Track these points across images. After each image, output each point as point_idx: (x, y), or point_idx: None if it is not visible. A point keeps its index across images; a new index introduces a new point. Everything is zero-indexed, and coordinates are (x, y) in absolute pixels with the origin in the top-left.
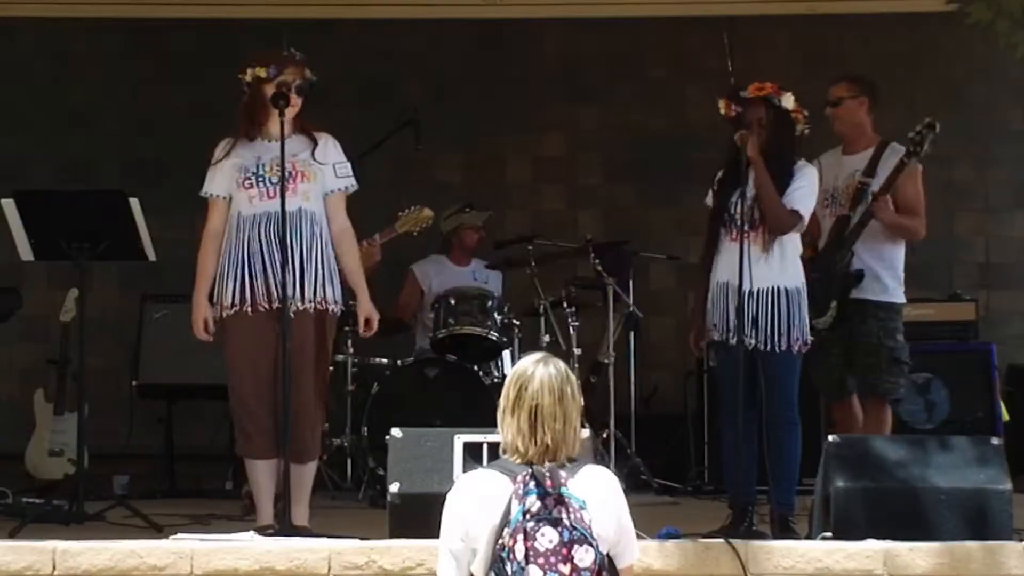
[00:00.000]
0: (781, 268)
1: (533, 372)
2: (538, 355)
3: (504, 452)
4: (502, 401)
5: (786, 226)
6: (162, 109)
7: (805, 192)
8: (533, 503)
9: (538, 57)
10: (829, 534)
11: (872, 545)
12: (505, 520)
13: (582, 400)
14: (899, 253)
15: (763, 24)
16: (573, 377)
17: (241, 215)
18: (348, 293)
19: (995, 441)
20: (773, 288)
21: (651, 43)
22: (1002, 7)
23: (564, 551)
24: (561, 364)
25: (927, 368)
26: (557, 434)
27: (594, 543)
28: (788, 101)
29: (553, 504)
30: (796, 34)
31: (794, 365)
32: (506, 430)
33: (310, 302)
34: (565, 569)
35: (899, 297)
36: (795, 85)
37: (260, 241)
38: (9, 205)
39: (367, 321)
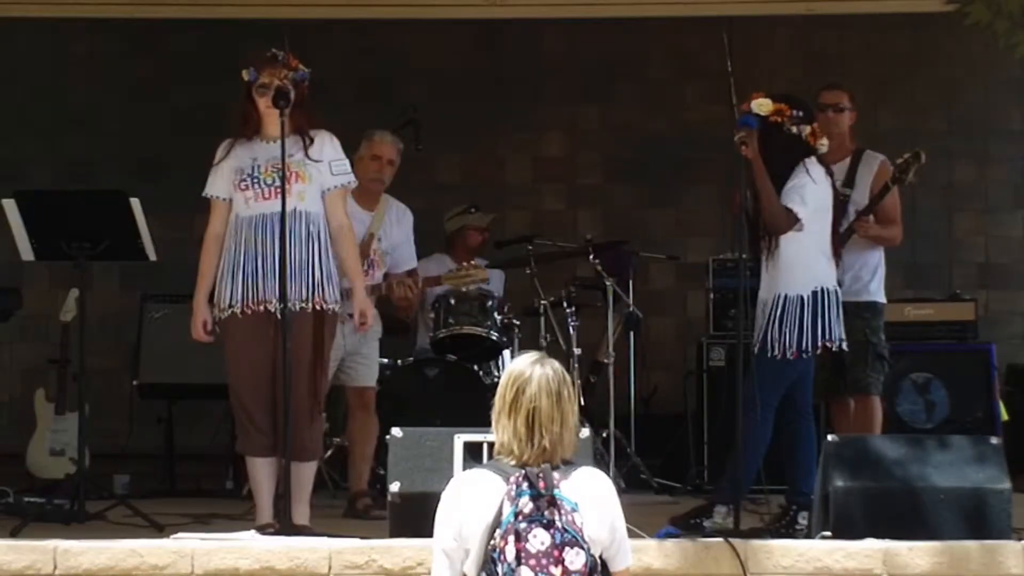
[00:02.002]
0: (785, 275)
1: (530, 374)
2: (533, 355)
3: (499, 454)
4: (497, 402)
5: (782, 226)
6: (162, 109)
7: (794, 191)
8: (525, 504)
9: (538, 57)
10: (829, 533)
11: (871, 544)
12: (497, 521)
13: (581, 400)
14: (879, 257)
15: (763, 24)
16: (568, 378)
17: (239, 217)
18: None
19: (994, 441)
20: (777, 296)
21: (651, 43)
22: (1002, 7)
23: (555, 553)
24: (557, 364)
25: (927, 368)
26: (555, 436)
27: (585, 546)
28: (761, 107)
29: (546, 506)
30: (796, 34)
31: (772, 367)
32: (502, 432)
33: (307, 303)
34: (556, 571)
35: (881, 297)
36: (795, 85)
37: (256, 243)
38: (10, 205)
39: (362, 314)
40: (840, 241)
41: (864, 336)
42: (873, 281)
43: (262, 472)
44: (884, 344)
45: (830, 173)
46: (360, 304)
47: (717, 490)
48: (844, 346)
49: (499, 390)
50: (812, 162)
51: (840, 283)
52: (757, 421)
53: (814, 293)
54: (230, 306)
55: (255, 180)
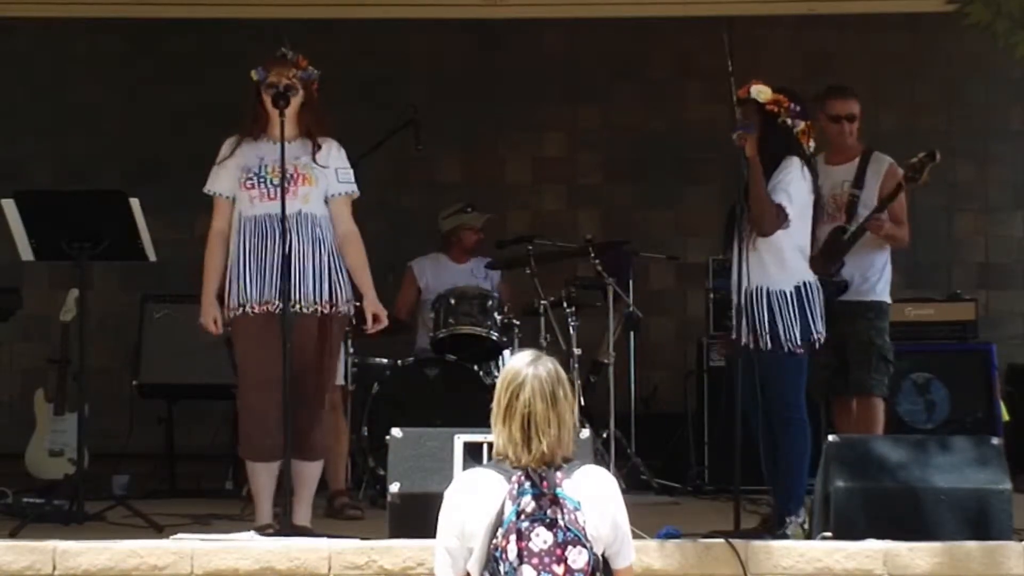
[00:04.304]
0: (768, 269)
1: (524, 379)
2: (528, 355)
3: (498, 455)
4: (494, 407)
5: (768, 227)
6: (162, 109)
7: (781, 187)
8: (527, 503)
9: (538, 57)
10: (829, 534)
11: (872, 545)
12: (499, 520)
13: (581, 400)
14: (886, 257)
15: (763, 24)
16: (564, 375)
17: (243, 215)
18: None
19: (995, 441)
20: (758, 288)
21: (651, 43)
22: (1002, 7)
23: (558, 552)
24: (551, 363)
25: (927, 368)
26: (552, 439)
27: (588, 544)
28: (761, 94)
29: (548, 504)
30: (796, 34)
31: (784, 365)
32: (498, 437)
33: (313, 304)
34: (559, 570)
35: (886, 297)
36: (795, 85)
37: (260, 242)
38: (9, 205)
39: (375, 317)
40: (850, 241)
41: (868, 337)
42: (880, 282)
43: (264, 476)
44: (889, 346)
45: (814, 172)
46: (372, 307)
47: (780, 505)
48: (821, 340)
49: (495, 393)
50: (800, 160)
51: (848, 283)
52: (795, 428)
53: (797, 288)
54: (239, 305)
55: (261, 179)
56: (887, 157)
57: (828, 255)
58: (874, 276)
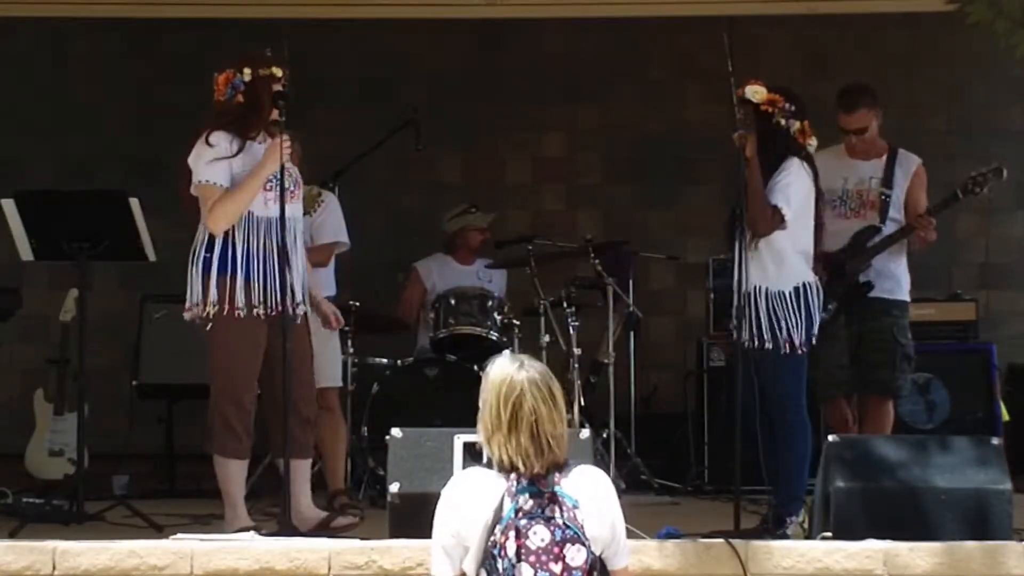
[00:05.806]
0: (768, 270)
1: (521, 387)
2: (510, 361)
3: (501, 470)
4: (490, 420)
5: (762, 227)
6: (162, 109)
7: (779, 189)
8: (526, 501)
9: (538, 57)
10: (829, 534)
11: (872, 545)
12: (497, 517)
13: (581, 400)
14: (905, 255)
15: (763, 24)
16: (548, 369)
17: (254, 215)
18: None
19: (995, 441)
20: (757, 288)
21: (651, 43)
22: (1002, 7)
23: (556, 550)
24: (537, 364)
25: (927, 368)
26: (558, 439)
27: (586, 543)
28: (755, 95)
29: (546, 503)
30: (796, 34)
31: (785, 365)
32: (500, 448)
33: (307, 305)
34: (556, 568)
35: (908, 295)
36: (795, 85)
37: (270, 244)
38: (9, 205)
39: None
40: (891, 240)
41: (892, 335)
42: (904, 280)
43: (241, 475)
44: (911, 345)
45: (814, 170)
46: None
47: (779, 503)
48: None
49: (490, 408)
50: (799, 161)
51: (873, 284)
52: (796, 428)
53: (797, 289)
54: (249, 305)
55: (278, 182)
56: (915, 157)
57: (859, 252)
58: (900, 274)
